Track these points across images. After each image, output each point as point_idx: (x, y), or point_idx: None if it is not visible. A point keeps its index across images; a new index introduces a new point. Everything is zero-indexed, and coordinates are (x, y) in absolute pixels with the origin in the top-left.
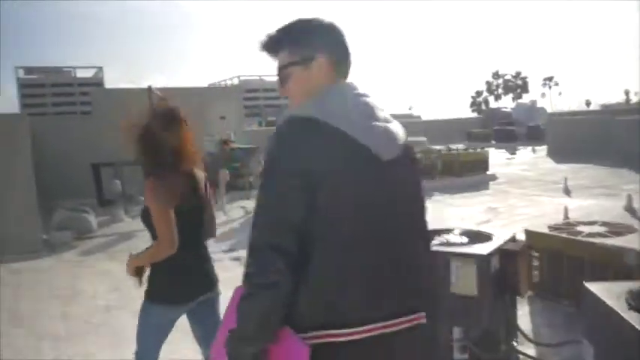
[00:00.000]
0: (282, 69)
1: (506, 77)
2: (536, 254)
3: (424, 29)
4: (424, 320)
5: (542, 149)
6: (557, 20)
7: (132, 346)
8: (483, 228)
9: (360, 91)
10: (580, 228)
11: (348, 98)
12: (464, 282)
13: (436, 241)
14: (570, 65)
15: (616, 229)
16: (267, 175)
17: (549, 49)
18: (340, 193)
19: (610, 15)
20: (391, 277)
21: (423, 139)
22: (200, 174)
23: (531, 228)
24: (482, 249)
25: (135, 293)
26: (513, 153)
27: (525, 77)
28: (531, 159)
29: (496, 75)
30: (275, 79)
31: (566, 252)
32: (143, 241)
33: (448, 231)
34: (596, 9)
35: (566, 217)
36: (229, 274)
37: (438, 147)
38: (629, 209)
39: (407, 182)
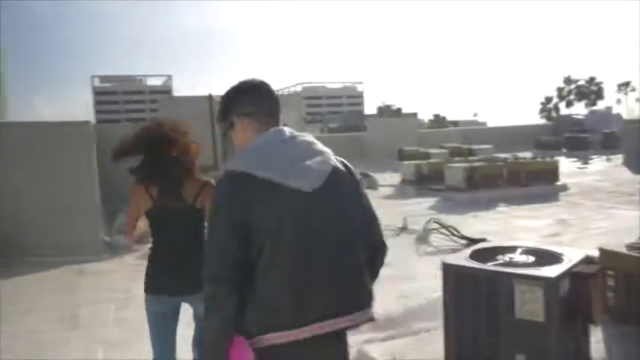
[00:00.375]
0: (224, 134)
1: (579, 83)
2: (612, 273)
3: (492, 32)
4: (350, 323)
5: (618, 158)
6: (634, 22)
7: (181, 354)
8: (551, 242)
9: (288, 134)
10: None
11: (274, 147)
12: (530, 307)
13: (498, 260)
14: None
15: None
16: (214, 217)
17: (624, 53)
18: (270, 227)
19: None
20: (316, 286)
21: (489, 146)
22: (195, 183)
23: (606, 246)
24: (551, 271)
25: None
26: (586, 162)
27: (600, 83)
28: (606, 168)
29: (568, 80)
30: (338, 85)
31: None
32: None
33: (512, 249)
34: None
35: None
36: None
37: (503, 155)
38: None
39: (337, 201)
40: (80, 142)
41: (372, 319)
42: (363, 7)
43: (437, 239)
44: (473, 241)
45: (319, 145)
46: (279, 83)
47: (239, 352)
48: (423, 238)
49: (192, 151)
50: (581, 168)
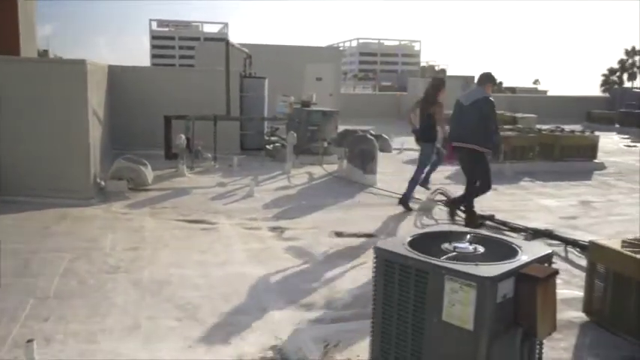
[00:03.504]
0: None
1: None
2: (602, 270)
3: None
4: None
5: None
6: None
7: (110, 319)
8: (562, 226)
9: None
10: None
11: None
12: (459, 310)
13: (442, 249)
14: None
15: None
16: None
17: None
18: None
19: None
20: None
21: (533, 116)
22: None
23: (600, 241)
24: (492, 270)
25: (151, 255)
26: (637, 140)
27: None
28: None
29: (631, 52)
30: (394, 43)
31: (636, 278)
32: (196, 198)
33: (463, 236)
34: None
35: None
36: (260, 245)
37: (547, 126)
38: None
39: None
40: (73, 81)
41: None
42: None
43: (442, 211)
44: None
45: (475, 92)
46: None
47: None
48: (426, 209)
49: None
50: (629, 146)
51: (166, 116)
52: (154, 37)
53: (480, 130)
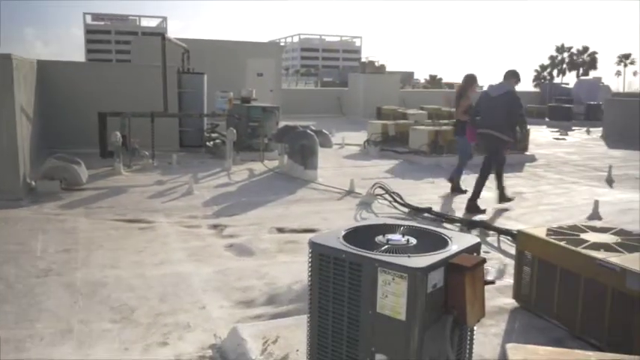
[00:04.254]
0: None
1: (572, 52)
2: (530, 255)
3: None
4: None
5: (598, 131)
6: None
7: (40, 324)
8: (501, 215)
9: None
10: (586, 235)
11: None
12: (392, 301)
13: (376, 241)
14: None
15: (631, 241)
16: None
17: (631, 24)
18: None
19: None
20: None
21: None
22: None
23: (526, 229)
24: (422, 261)
25: (84, 256)
26: (565, 133)
27: (594, 53)
28: (582, 141)
29: (561, 49)
30: (336, 39)
31: (561, 264)
32: (133, 197)
33: (396, 228)
34: None
35: (596, 212)
36: (200, 243)
37: None
38: None
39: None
40: None
41: None
42: None
43: (381, 205)
44: (416, 209)
45: (502, 86)
46: (276, 33)
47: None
48: (365, 203)
49: None
50: (558, 139)
51: (101, 113)
52: (89, 31)
53: (505, 120)
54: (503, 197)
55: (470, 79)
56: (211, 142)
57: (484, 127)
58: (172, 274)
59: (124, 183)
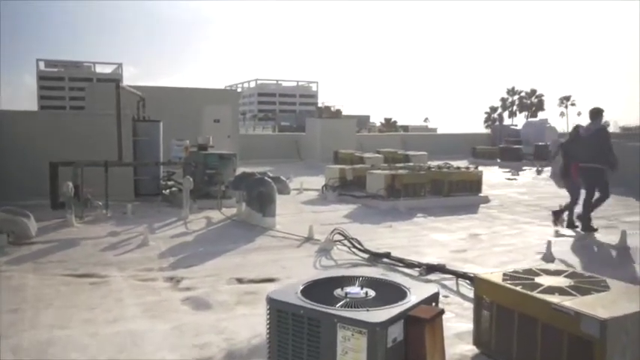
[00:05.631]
0: None
1: (522, 94)
2: (488, 301)
3: (447, 41)
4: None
5: (548, 171)
6: (579, 39)
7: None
8: (456, 259)
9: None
10: (540, 279)
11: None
12: (351, 358)
13: (334, 294)
14: (592, 85)
15: (584, 284)
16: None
17: (570, 68)
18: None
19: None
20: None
21: (424, 153)
22: None
23: (483, 275)
24: (380, 315)
25: (32, 316)
26: (517, 173)
27: (541, 95)
28: (533, 181)
29: (511, 92)
30: (292, 84)
31: (518, 309)
32: (85, 250)
33: (353, 280)
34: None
35: (550, 252)
36: (155, 297)
37: (436, 162)
38: (622, 247)
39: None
40: None
41: None
42: (323, 8)
43: (341, 251)
44: (375, 255)
45: (592, 124)
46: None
47: None
48: (325, 250)
49: None
50: (510, 179)
51: (52, 163)
52: (42, 77)
53: (600, 152)
54: (587, 227)
55: (574, 129)
56: (168, 191)
57: (584, 161)
58: (126, 332)
59: (76, 235)
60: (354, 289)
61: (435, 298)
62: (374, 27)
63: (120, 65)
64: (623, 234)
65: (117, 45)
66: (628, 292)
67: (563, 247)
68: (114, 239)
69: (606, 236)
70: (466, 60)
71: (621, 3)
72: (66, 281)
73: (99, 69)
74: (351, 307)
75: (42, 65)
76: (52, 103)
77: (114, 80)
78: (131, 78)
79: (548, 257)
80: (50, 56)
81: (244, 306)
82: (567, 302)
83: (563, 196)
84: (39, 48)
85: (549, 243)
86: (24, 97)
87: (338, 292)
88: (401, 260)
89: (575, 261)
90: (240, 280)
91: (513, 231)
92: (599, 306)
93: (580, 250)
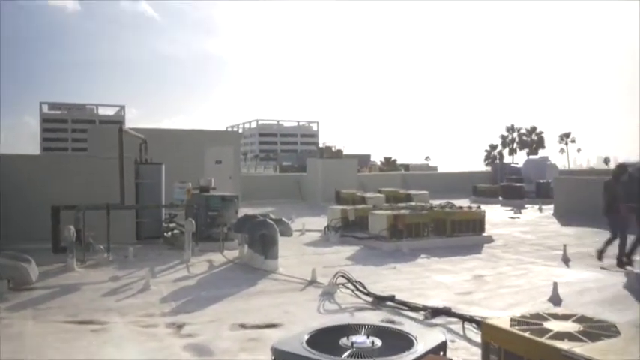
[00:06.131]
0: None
1: (522, 132)
2: (495, 346)
3: (444, 79)
4: None
5: (550, 209)
6: (578, 75)
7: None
8: (464, 300)
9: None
10: (549, 324)
11: None
12: None
13: (340, 344)
14: (590, 121)
15: (594, 329)
16: None
17: (569, 106)
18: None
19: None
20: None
21: (425, 192)
22: None
23: (490, 320)
24: None
25: None
26: (519, 211)
27: (541, 133)
28: (536, 219)
29: (511, 129)
30: (293, 124)
31: (527, 355)
32: (86, 295)
33: (359, 329)
34: (619, 65)
35: (556, 294)
36: (156, 344)
37: (438, 201)
38: (629, 287)
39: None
40: None
41: None
42: (323, 49)
43: (344, 294)
44: (379, 298)
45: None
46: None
47: None
48: (328, 293)
49: None
50: (512, 218)
51: (54, 207)
52: (45, 120)
53: None
54: (621, 262)
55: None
56: (169, 233)
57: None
58: None
59: (77, 280)
60: (361, 338)
61: (442, 346)
62: (374, 66)
63: (122, 107)
64: (629, 275)
65: (119, 86)
66: (639, 336)
67: (570, 288)
68: (115, 284)
69: (611, 276)
70: (465, 98)
71: (620, 39)
72: (66, 328)
73: (101, 111)
74: (358, 358)
75: (45, 108)
76: (54, 145)
77: (116, 122)
78: (133, 120)
79: (555, 299)
80: (51, 98)
81: (247, 353)
82: (577, 349)
83: (566, 235)
84: (40, 89)
85: (555, 284)
86: (26, 139)
87: (344, 341)
88: (405, 303)
89: (581, 302)
90: (243, 326)
91: (518, 271)
92: (610, 352)
93: (590, 290)
